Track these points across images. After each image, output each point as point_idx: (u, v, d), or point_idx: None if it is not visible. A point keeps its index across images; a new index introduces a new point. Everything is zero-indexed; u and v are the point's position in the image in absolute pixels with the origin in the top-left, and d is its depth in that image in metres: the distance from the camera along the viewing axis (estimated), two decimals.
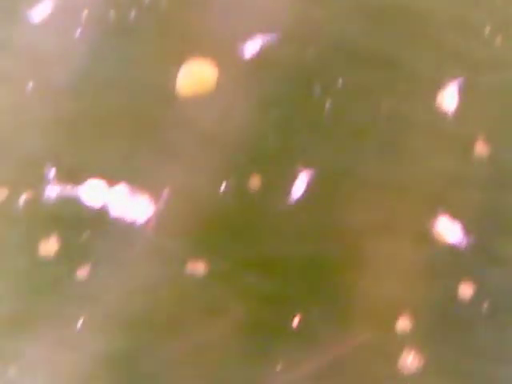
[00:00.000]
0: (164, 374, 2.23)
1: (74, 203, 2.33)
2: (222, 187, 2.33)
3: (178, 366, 2.23)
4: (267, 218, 2.31)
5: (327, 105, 2.38)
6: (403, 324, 2.23)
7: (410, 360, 2.21)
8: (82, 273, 2.29)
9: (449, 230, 2.29)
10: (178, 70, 2.39)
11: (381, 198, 2.31)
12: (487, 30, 2.44)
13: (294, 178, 2.33)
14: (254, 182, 2.33)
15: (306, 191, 2.32)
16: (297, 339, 2.23)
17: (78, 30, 2.45)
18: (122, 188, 2.33)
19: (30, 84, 2.41)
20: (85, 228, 2.32)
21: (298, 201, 2.32)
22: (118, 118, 2.39)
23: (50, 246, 2.32)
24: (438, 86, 2.38)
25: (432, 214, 2.29)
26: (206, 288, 2.26)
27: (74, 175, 2.34)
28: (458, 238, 2.28)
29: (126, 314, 2.26)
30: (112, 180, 2.34)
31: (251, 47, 2.41)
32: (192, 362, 2.23)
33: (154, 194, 2.32)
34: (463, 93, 2.38)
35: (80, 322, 2.25)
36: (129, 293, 2.28)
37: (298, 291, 2.27)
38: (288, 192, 2.32)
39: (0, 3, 2.49)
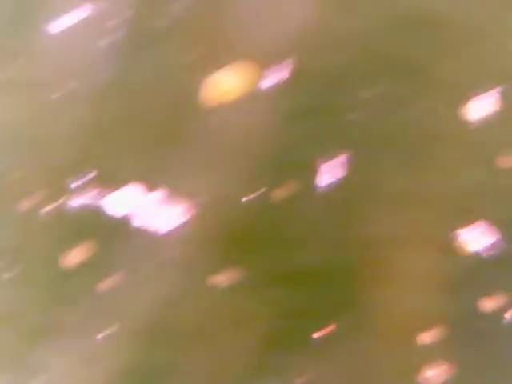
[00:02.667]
0: None
1: (98, 213, 2.33)
2: (248, 198, 2.32)
3: (201, 380, 2.23)
4: (292, 230, 2.31)
5: (354, 115, 2.37)
6: (428, 336, 2.23)
7: (434, 373, 2.21)
8: (106, 284, 2.29)
9: (474, 242, 2.28)
10: (204, 80, 2.39)
11: (406, 209, 2.31)
12: None
13: (319, 188, 2.33)
14: (280, 192, 2.33)
15: (331, 202, 2.32)
16: (319, 353, 2.23)
17: (106, 39, 2.45)
18: (147, 199, 2.33)
19: (56, 92, 2.42)
20: (109, 239, 2.32)
21: (323, 212, 2.31)
22: (145, 129, 2.39)
23: (73, 257, 2.32)
24: (465, 96, 2.38)
25: (458, 225, 2.28)
26: (231, 300, 2.26)
27: (99, 186, 2.34)
28: (483, 249, 2.28)
29: (150, 326, 2.26)
30: (138, 191, 2.33)
31: (278, 56, 2.40)
32: (216, 375, 2.23)
33: (179, 206, 2.32)
34: (491, 103, 2.36)
35: (103, 334, 2.25)
36: (152, 304, 2.27)
37: (323, 304, 2.26)
38: (313, 203, 2.32)
39: (26, 12, 2.48)
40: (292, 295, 2.26)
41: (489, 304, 2.24)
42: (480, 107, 2.37)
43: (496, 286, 2.25)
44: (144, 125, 2.40)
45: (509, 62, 2.42)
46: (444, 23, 2.43)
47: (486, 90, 2.38)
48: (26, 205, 2.34)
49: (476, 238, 2.28)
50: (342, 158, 2.34)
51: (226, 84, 2.38)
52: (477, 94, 2.38)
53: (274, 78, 2.39)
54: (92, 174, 2.36)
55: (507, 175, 2.34)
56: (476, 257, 2.27)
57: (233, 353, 2.23)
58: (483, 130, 2.36)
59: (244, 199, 2.32)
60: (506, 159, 2.34)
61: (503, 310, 2.23)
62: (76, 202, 2.34)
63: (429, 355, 2.20)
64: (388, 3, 2.46)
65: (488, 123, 2.36)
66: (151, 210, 2.32)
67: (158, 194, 2.33)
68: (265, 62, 2.40)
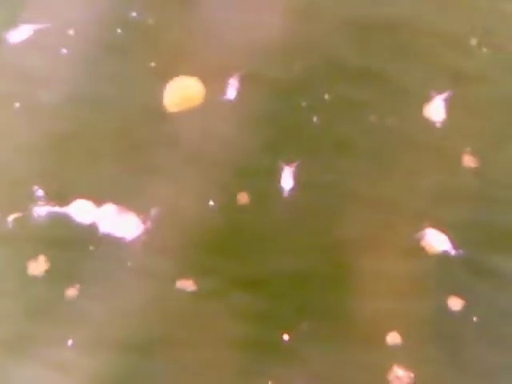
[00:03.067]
0: None
1: (62, 223, 2.33)
2: (210, 204, 2.33)
3: None
4: (255, 235, 2.32)
5: (314, 119, 2.38)
6: (393, 338, 2.24)
7: (400, 374, 2.22)
8: (72, 292, 2.29)
9: (438, 244, 2.29)
10: (165, 87, 2.40)
11: (369, 212, 2.32)
12: (473, 42, 2.45)
13: (281, 193, 2.34)
14: (242, 198, 2.34)
15: (293, 207, 2.33)
16: (287, 356, 2.23)
17: (64, 50, 2.46)
18: (110, 207, 2.34)
19: (17, 104, 2.42)
20: (73, 247, 2.32)
21: (286, 217, 2.32)
22: (105, 138, 2.40)
23: (39, 266, 2.32)
24: (424, 99, 2.40)
25: (420, 227, 2.30)
26: (195, 306, 2.26)
27: (62, 195, 2.35)
28: (446, 251, 2.29)
29: (116, 333, 2.26)
30: (100, 200, 2.34)
31: (237, 62, 2.42)
32: (186, 380, 2.23)
33: (143, 212, 2.33)
34: (450, 106, 2.39)
35: (70, 342, 2.25)
36: (118, 312, 2.27)
37: (287, 308, 2.27)
38: (276, 208, 2.33)
39: None
40: (256, 300, 2.27)
41: (456, 304, 2.25)
42: (439, 109, 2.39)
43: (464, 286, 2.26)
44: (108, 132, 2.41)
45: (465, 64, 2.44)
46: (400, 29, 2.47)
47: (445, 92, 2.40)
48: None
49: (439, 242, 2.29)
50: (305, 162, 2.36)
51: (187, 91, 2.39)
52: (435, 96, 2.39)
53: (235, 84, 2.40)
54: (56, 184, 2.36)
55: (470, 174, 2.35)
56: (443, 256, 2.28)
57: (200, 358, 2.23)
58: (444, 131, 2.38)
59: (208, 206, 2.33)
60: (468, 158, 2.36)
61: (471, 309, 2.24)
62: (40, 211, 2.34)
63: (399, 355, 2.21)
64: (346, 11, 2.48)
65: (448, 124, 2.37)
66: (114, 220, 2.32)
67: (115, 206, 2.34)
68: (226, 69, 2.42)
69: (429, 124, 2.38)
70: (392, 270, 2.28)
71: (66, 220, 2.33)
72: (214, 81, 2.40)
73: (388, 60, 2.43)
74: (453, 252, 2.28)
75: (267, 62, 2.43)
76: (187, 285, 2.28)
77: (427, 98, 2.39)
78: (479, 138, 2.38)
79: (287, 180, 2.34)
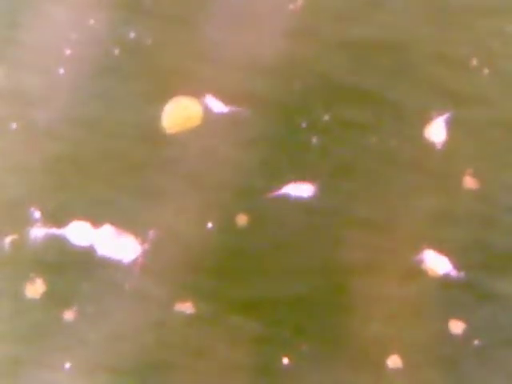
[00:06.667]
0: None
1: (59, 245, 2.32)
2: (208, 227, 2.31)
3: None
4: (254, 258, 2.30)
5: (313, 141, 2.37)
6: (394, 362, 2.22)
7: None
8: (69, 315, 2.28)
9: (437, 267, 2.27)
10: (162, 108, 2.39)
11: (368, 235, 2.31)
12: (474, 63, 2.43)
13: (280, 215, 2.32)
14: (241, 220, 2.33)
15: (292, 229, 2.31)
16: (287, 379, 2.22)
17: (61, 70, 2.44)
18: (107, 229, 2.32)
19: (14, 125, 2.41)
20: (71, 269, 2.31)
21: (285, 240, 2.31)
22: (102, 159, 2.38)
23: (36, 288, 2.30)
24: (424, 120, 2.38)
25: (420, 250, 2.28)
26: (193, 330, 2.25)
27: (58, 217, 2.33)
28: (448, 273, 2.27)
29: (114, 356, 2.25)
30: (97, 221, 2.32)
31: (237, 83, 2.41)
32: None
33: (140, 235, 2.31)
34: (450, 127, 2.37)
35: (67, 365, 2.24)
36: (116, 335, 2.27)
37: (287, 331, 2.26)
38: (274, 230, 2.31)
39: None
40: (254, 324, 2.25)
41: (457, 327, 2.24)
42: (440, 130, 2.37)
43: (465, 309, 2.25)
44: (105, 154, 2.39)
45: (465, 85, 2.42)
46: (399, 50, 2.44)
47: (446, 113, 2.38)
48: None
49: (438, 265, 2.27)
50: (303, 183, 2.34)
51: (186, 112, 2.38)
52: (436, 117, 2.38)
53: (233, 104, 2.39)
54: (53, 205, 2.34)
55: (471, 196, 2.34)
56: (444, 279, 2.26)
57: (200, 382, 2.22)
58: (445, 152, 2.36)
59: (206, 229, 2.31)
60: (469, 180, 2.34)
61: (472, 333, 2.23)
62: (37, 233, 2.32)
63: (399, 378, 2.20)
64: (344, 32, 2.46)
65: (448, 145, 2.36)
66: (111, 242, 2.31)
67: (112, 228, 2.32)
68: (223, 89, 2.40)
69: (429, 145, 2.37)
70: (392, 292, 2.26)
71: (63, 242, 2.32)
72: (212, 101, 2.38)
73: (388, 81, 2.41)
74: (454, 274, 2.26)
75: (266, 82, 2.42)
76: (186, 307, 2.27)
77: (428, 120, 2.37)
78: (480, 160, 2.36)
79: (287, 201, 2.33)
